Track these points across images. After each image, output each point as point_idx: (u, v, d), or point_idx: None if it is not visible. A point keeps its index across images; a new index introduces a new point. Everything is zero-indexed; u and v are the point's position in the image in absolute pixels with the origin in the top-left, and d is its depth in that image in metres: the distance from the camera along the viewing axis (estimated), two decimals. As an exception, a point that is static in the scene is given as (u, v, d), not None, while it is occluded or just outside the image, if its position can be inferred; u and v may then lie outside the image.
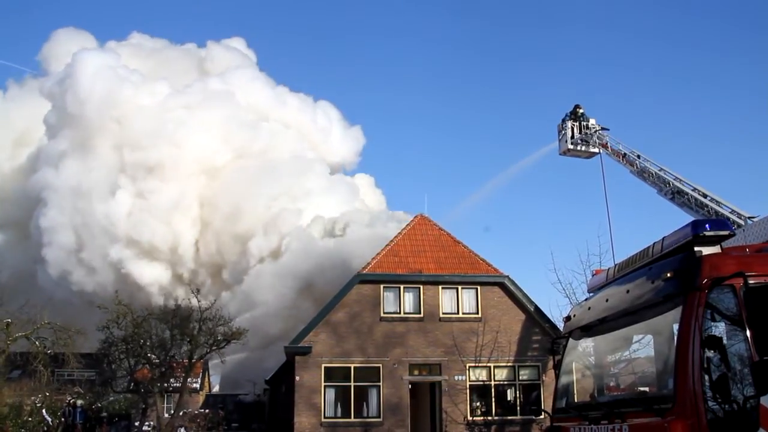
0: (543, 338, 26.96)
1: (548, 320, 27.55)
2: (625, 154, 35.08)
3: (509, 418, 26.78)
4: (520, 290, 27.90)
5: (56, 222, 46.89)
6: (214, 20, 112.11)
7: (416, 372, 26.96)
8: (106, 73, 48.63)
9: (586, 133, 37.71)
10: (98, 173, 48.24)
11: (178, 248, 48.18)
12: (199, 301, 29.22)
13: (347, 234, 39.74)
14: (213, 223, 49.32)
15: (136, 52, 58.75)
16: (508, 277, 27.97)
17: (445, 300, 27.50)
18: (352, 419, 25.95)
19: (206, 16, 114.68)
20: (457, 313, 27.40)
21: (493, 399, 26.99)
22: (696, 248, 6.00)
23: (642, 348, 7.38)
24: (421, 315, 27.14)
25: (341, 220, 42.45)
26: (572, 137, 37.98)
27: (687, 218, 25.55)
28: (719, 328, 5.62)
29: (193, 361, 30.51)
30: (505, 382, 27.39)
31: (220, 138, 50.37)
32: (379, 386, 26.32)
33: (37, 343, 29.73)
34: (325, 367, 26.20)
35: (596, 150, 36.87)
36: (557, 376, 8.10)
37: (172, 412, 32.91)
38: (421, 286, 27.39)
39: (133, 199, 47.69)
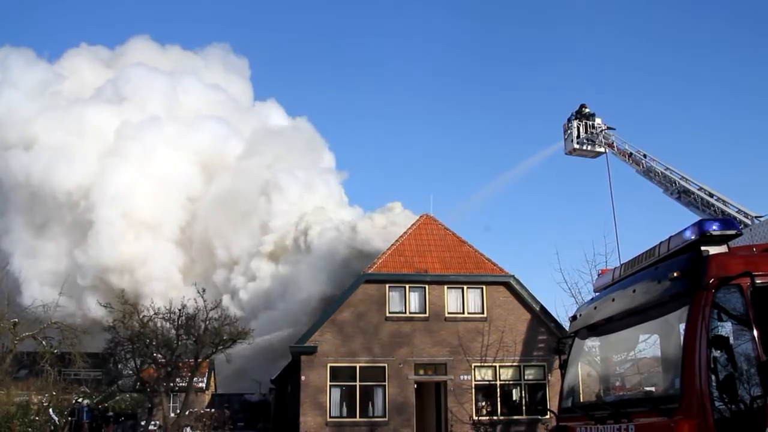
0: (549, 338, 26.95)
1: (554, 320, 27.52)
2: (631, 153, 34.98)
3: (515, 417, 26.78)
4: (526, 290, 27.89)
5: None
6: (206, 23, 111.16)
7: (422, 372, 26.97)
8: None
9: (592, 133, 37.63)
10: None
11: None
12: (204, 301, 29.29)
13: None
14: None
15: (90, 65, 55.33)
16: (513, 276, 27.96)
17: (451, 300, 27.52)
18: (358, 419, 25.99)
19: (197, 19, 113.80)
20: (463, 312, 27.40)
21: (499, 399, 27.00)
22: (703, 248, 5.98)
23: (648, 348, 7.38)
24: (427, 315, 27.14)
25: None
26: (578, 137, 37.89)
27: (693, 218, 25.46)
28: (726, 328, 5.60)
29: (199, 360, 30.55)
30: (511, 382, 27.39)
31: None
32: (385, 386, 26.34)
33: (43, 342, 29.79)
34: (330, 367, 26.25)
35: (602, 149, 36.73)
36: (563, 376, 8.08)
37: (178, 411, 32.94)
38: (427, 286, 27.40)
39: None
